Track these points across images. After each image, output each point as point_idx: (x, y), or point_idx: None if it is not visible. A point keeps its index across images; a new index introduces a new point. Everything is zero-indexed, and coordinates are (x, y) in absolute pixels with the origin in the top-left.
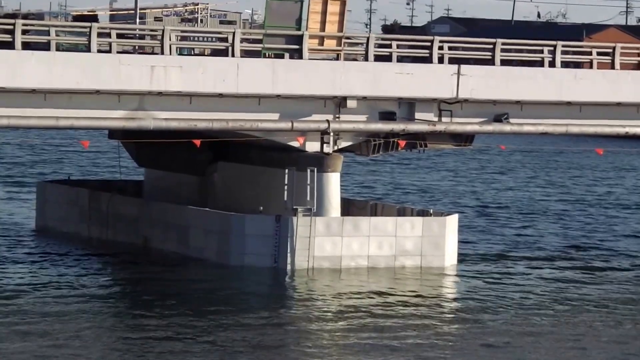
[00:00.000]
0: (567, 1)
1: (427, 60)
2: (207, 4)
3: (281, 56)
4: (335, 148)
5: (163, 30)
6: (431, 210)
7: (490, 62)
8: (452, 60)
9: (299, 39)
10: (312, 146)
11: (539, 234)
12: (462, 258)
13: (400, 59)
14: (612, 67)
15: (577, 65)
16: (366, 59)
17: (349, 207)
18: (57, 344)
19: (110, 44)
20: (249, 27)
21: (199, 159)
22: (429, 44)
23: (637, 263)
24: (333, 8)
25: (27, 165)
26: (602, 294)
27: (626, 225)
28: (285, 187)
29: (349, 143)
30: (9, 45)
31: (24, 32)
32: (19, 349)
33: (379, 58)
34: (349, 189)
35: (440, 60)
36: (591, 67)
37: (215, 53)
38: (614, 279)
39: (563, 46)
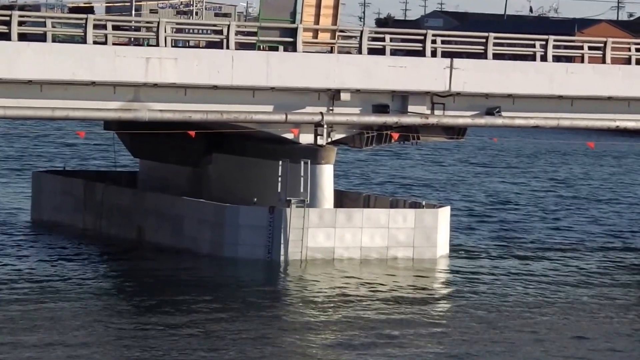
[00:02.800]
0: None
1: (420, 53)
2: None
3: (275, 49)
4: (329, 140)
5: (158, 23)
6: (423, 202)
7: (482, 56)
8: (445, 54)
9: (293, 32)
10: (306, 138)
11: (530, 226)
12: (453, 249)
13: (394, 53)
14: (603, 61)
15: (569, 59)
16: (360, 52)
17: (342, 199)
18: (51, 335)
19: (106, 36)
20: (244, 20)
21: (194, 151)
22: (422, 37)
23: (619, 256)
24: (327, 1)
25: (23, 155)
26: (591, 286)
27: (618, 219)
28: (279, 179)
29: (343, 135)
30: (6, 37)
31: (20, 23)
32: (14, 340)
33: (372, 51)
34: (343, 181)
35: (433, 53)
36: (582, 61)
37: (210, 45)
38: (604, 272)
39: (555, 40)
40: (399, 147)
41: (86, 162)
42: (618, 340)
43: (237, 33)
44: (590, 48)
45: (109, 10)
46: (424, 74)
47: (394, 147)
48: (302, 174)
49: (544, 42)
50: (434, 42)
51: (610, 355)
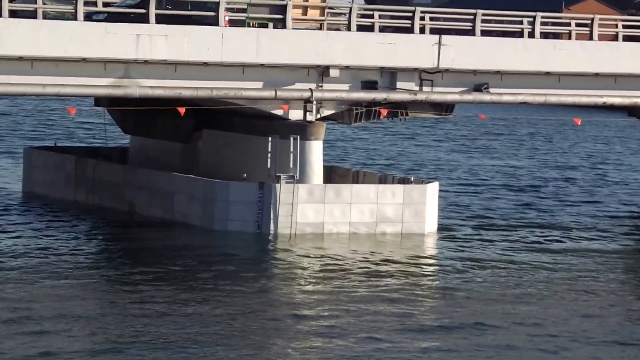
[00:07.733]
0: None
1: (409, 30)
2: None
3: (265, 26)
4: (318, 116)
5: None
6: (412, 178)
7: (470, 32)
8: (433, 31)
9: (282, 9)
10: (295, 114)
11: (518, 203)
12: (441, 225)
13: (383, 29)
14: (591, 38)
15: (556, 36)
16: (349, 29)
17: (331, 175)
18: (42, 309)
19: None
20: None
21: (184, 127)
22: (410, 14)
23: (605, 234)
24: None
25: (13, 131)
26: (578, 260)
27: (607, 195)
28: (269, 155)
29: (332, 111)
30: None
31: (11, 0)
32: (4, 315)
33: (361, 28)
34: (332, 156)
35: (422, 30)
36: (570, 38)
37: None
38: (590, 246)
39: (542, 17)
40: (388, 123)
41: (77, 139)
42: (606, 329)
43: (227, 10)
44: (577, 25)
45: None
46: (412, 50)
47: (383, 123)
48: (291, 149)
49: (531, 19)
50: (422, 19)
51: (596, 341)
